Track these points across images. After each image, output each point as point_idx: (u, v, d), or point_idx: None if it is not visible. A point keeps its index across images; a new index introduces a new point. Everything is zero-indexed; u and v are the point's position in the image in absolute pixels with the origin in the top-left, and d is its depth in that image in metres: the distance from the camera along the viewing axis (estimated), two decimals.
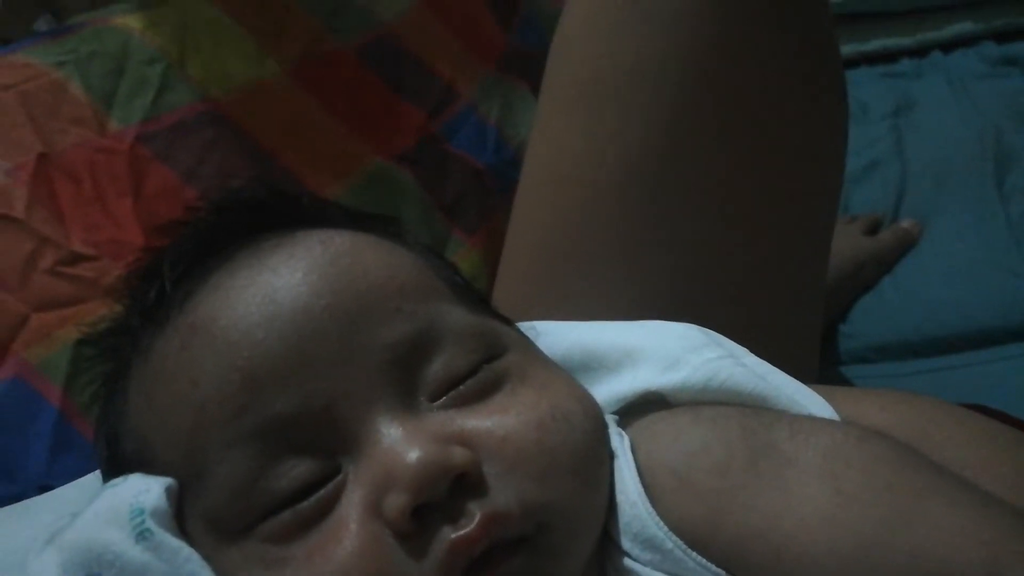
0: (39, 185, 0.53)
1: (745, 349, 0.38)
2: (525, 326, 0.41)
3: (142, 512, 0.31)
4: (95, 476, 0.40)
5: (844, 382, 0.69)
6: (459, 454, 0.30)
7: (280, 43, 0.67)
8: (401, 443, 0.30)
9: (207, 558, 0.31)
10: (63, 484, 0.45)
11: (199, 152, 0.59)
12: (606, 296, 0.47)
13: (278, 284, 0.33)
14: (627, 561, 0.32)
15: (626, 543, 0.32)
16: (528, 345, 0.38)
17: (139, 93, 0.59)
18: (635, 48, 0.47)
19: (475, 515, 0.29)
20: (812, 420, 0.34)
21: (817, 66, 0.51)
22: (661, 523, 0.31)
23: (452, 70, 0.79)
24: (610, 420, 0.36)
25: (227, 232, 0.37)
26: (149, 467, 0.33)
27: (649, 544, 0.32)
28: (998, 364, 0.67)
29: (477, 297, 0.39)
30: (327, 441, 0.31)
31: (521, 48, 0.86)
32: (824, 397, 0.36)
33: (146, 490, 0.32)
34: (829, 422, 0.34)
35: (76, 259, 0.51)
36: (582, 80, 0.49)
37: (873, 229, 0.83)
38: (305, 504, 0.30)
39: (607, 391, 0.38)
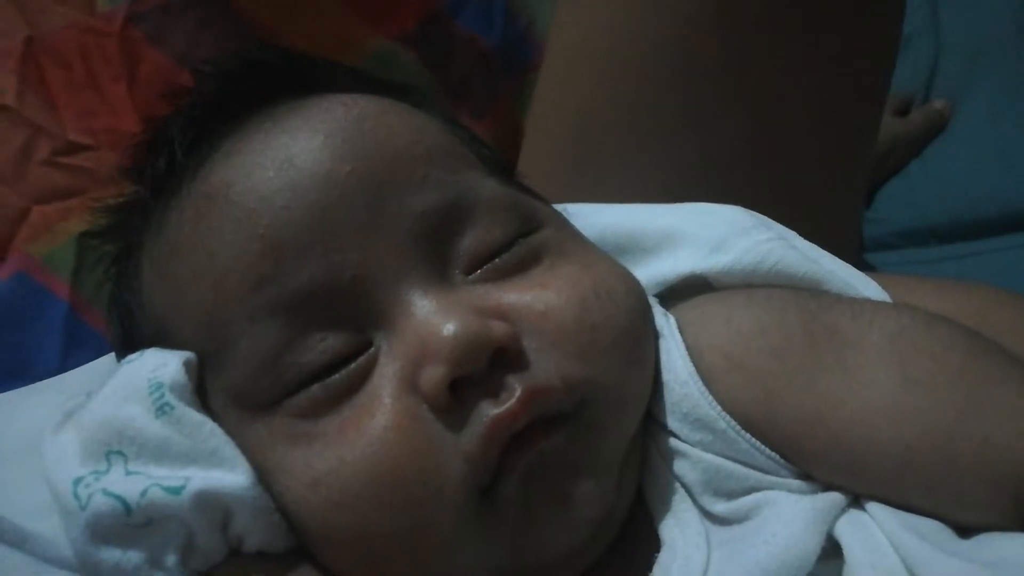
0: (28, 70, 0.51)
1: (795, 233, 0.36)
2: (557, 206, 0.38)
3: (161, 386, 0.30)
4: (108, 358, 0.39)
5: (867, 269, 0.68)
6: (498, 327, 0.29)
7: None
8: (437, 315, 0.29)
9: (230, 434, 0.30)
10: None
11: (192, 33, 0.56)
12: (639, 181, 0.44)
13: (296, 148, 0.31)
14: (673, 442, 0.31)
15: (673, 423, 0.31)
16: (564, 222, 0.36)
17: None
18: None
19: (516, 390, 0.28)
20: (874, 303, 0.32)
21: None
22: (714, 402, 0.30)
23: None
24: (653, 301, 0.35)
25: (237, 97, 0.34)
26: (166, 343, 0.32)
27: (700, 424, 0.31)
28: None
29: (507, 170, 0.37)
30: (356, 314, 0.30)
31: None
32: (876, 280, 0.35)
33: (163, 364, 0.31)
34: (893, 305, 0.32)
35: (73, 148, 0.49)
36: None
37: (904, 110, 0.79)
38: (335, 378, 0.29)
39: (647, 274, 0.36)
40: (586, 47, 0.46)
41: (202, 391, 0.31)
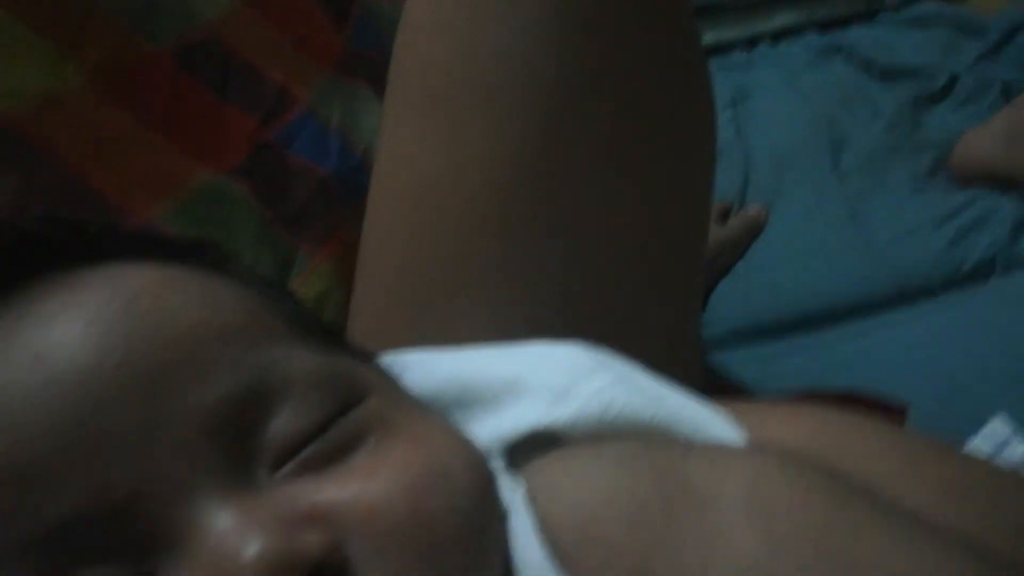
0: None
1: (637, 369, 0.35)
2: (388, 359, 0.36)
3: None
4: None
5: (708, 371, 0.70)
6: (313, 540, 0.24)
7: (81, 49, 0.59)
8: (235, 532, 0.24)
9: None
10: None
11: (7, 191, 0.51)
12: (478, 321, 0.42)
13: (51, 340, 0.26)
14: None
15: None
16: (393, 386, 0.32)
17: None
18: (496, 41, 0.41)
19: None
20: (726, 450, 0.31)
21: (689, 59, 0.48)
22: None
23: (285, 73, 0.74)
24: (498, 464, 0.32)
25: None
26: None
27: None
28: (856, 340, 0.69)
29: (326, 330, 0.34)
30: (137, 539, 0.25)
31: (359, 49, 0.82)
32: (724, 411, 0.33)
33: None
34: (746, 452, 0.31)
35: None
36: (433, 84, 0.43)
37: (724, 217, 0.85)
38: None
39: (489, 429, 0.33)
40: (410, 186, 0.44)
41: None
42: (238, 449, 0.26)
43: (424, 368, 0.36)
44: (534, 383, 0.34)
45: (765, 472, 0.28)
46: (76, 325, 0.26)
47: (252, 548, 0.24)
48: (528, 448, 0.33)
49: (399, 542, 0.25)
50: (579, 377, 0.33)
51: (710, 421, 0.33)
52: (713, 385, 0.53)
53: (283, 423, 0.27)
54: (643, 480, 0.28)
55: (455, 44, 0.43)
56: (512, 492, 0.30)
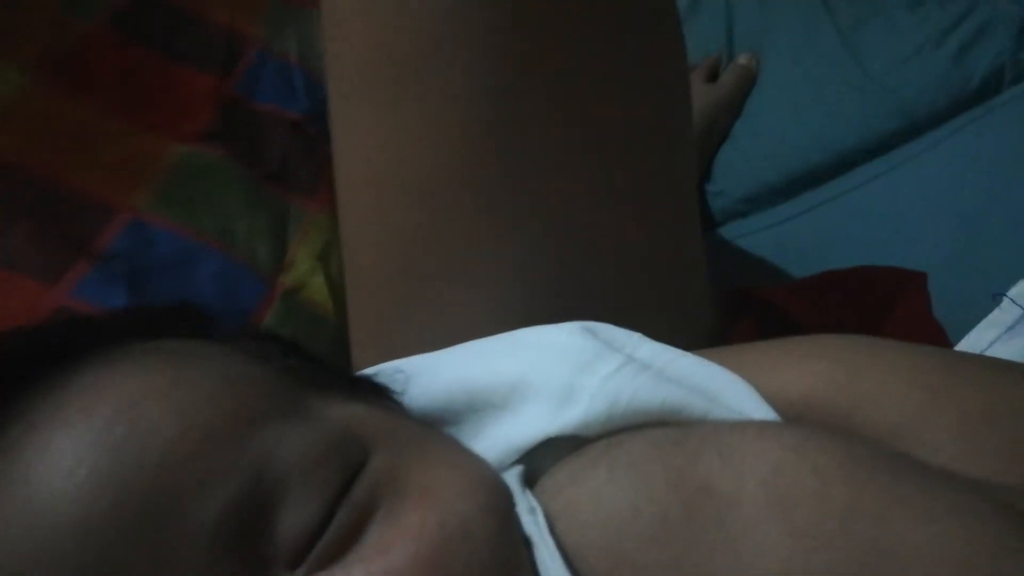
0: None
1: (639, 336, 0.34)
2: (391, 368, 0.35)
3: None
4: None
5: (724, 244, 0.69)
6: None
7: (16, 47, 0.55)
8: None
9: None
10: None
11: None
12: (473, 303, 0.41)
13: (41, 495, 0.24)
14: None
15: None
16: (394, 427, 0.31)
17: None
18: (433, 9, 0.38)
19: None
20: (741, 432, 0.29)
21: None
22: None
23: (229, 12, 0.69)
24: (514, 479, 0.31)
25: None
26: None
27: None
28: (869, 185, 0.67)
29: (318, 370, 0.33)
30: None
31: None
32: (734, 362, 0.33)
33: None
34: (759, 431, 0.29)
35: None
36: (369, 61, 0.40)
37: (713, 74, 0.81)
38: None
39: (503, 438, 0.33)
40: (369, 173, 0.42)
41: None
42: (253, 558, 0.26)
43: (428, 376, 0.35)
44: (538, 384, 0.33)
45: (782, 460, 0.27)
46: (58, 475, 0.25)
47: None
48: (541, 454, 0.32)
49: None
50: (581, 369, 0.33)
51: (719, 384, 0.32)
52: (731, 306, 0.51)
53: (290, 518, 0.26)
54: (659, 488, 0.28)
55: (385, 20, 0.39)
56: (531, 515, 0.30)
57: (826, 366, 0.34)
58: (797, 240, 0.66)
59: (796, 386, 0.32)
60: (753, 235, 0.68)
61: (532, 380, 0.33)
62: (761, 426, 0.30)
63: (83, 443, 0.25)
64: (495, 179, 0.40)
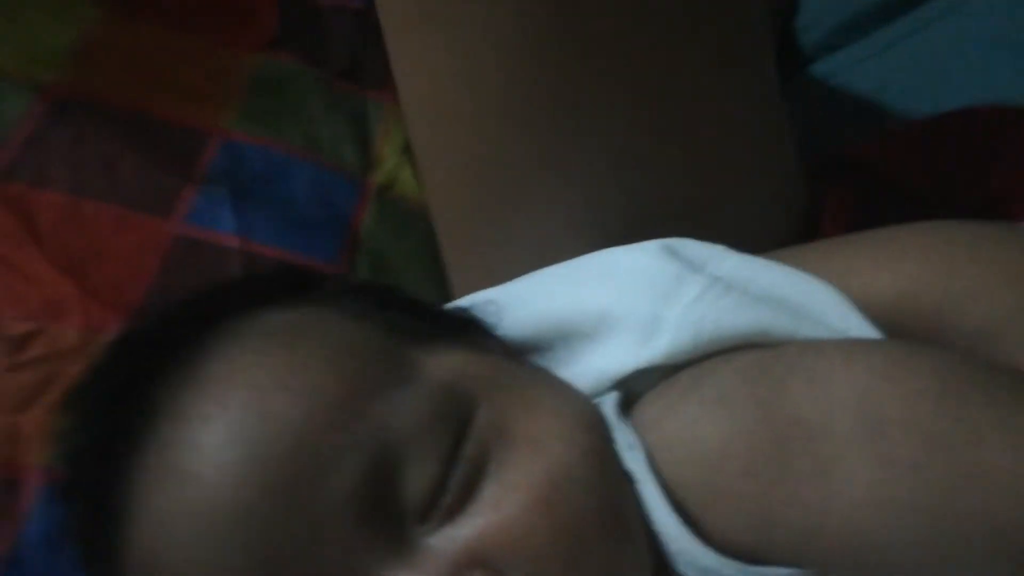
0: None
1: (722, 249, 0.34)
2: (483, 299, 0.36)
3: None
4: None
5: (819, 83, 0.65)
6: None
7: None
8: None
9: None
10: None
11: (70, 158, 0.52)
12: (555, 221, 0.41)
13: (199, 490, 0.28)
14: None
15: (682, 568, 0.30)
16: (494, 374, 0.33)
17: None
18: None
19: None
20: (828, 358, 0.29)
21: None
22: (710, 552, 0.29)
23: None
24: (611, 408, 0.33)
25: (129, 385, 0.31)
26: None
27: (708, 571, 0.29)
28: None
29: (416, 319, 0.34)
30: None
31: None
32: (824, 267, 0.32)
33: None
34: (846, 356, 0.29)
35: (22, 342, 0.47)
36: None
37: None
38: None
39: (595, 367, 0.34)
40: (434, 102, 0.41)
41: None
42: (390, 518, 0.28)
43: (519, 307, 0.36)
44: (623, 316, 0.34)
45: (869, 387, 0.27)
46: (209, 470, 0.28)
47: None
48: (635, 377, 0.34)
49: (551, 557, 0.28)
50: (663, 297, 0.33)
51: (813, 300, 0.32)
52: (823, 170, 0.49)
53: (417, 476, 0.28)
54: (749, 423, 0.29)
55: None
56: (632, 451, 0.31)
57: (920, 267, 0.34)
58: (898, 82, 0.61)
59: (890, 289, 0.32)
60: (848, 69, 0.63)
61: (617, 312, 0.34)
62: (848, 350, 0.30)
63: (225, 437, 0.28)
64: (554, 85, 0.39)
